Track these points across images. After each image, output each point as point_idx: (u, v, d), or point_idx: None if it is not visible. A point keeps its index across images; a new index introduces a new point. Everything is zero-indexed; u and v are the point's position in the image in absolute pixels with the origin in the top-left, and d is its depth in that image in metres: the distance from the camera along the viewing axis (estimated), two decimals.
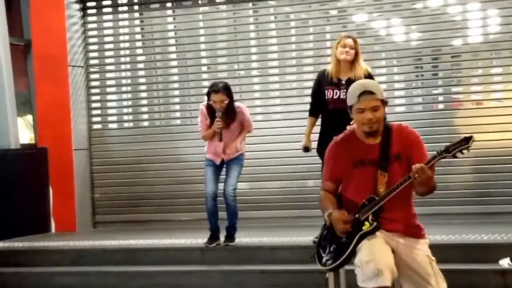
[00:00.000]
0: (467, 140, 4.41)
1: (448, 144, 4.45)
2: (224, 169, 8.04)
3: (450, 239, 7.56)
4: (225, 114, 7.74)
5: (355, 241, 4.59)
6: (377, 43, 9.99)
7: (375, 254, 4.48)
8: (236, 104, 7.93)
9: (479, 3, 9.55)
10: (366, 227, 4.61)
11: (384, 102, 4.68)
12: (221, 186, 7.97)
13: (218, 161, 7.93)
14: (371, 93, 4.62)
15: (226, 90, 7.75)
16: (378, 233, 4.60)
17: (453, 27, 9.69)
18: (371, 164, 4.69)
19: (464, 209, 9.23)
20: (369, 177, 4.68)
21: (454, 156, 4.44)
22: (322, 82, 7.55)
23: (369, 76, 7.33)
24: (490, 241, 7.40)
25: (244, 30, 10.66)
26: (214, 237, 7.95)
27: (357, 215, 4.64)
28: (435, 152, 4.46)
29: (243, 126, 7.95)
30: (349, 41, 7.48)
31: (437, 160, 4.46)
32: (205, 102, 7.92)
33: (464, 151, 4.41)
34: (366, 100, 4.63)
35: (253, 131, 8.16)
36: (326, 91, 7.45)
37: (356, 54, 7.46)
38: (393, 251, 4.61)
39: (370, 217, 4.62)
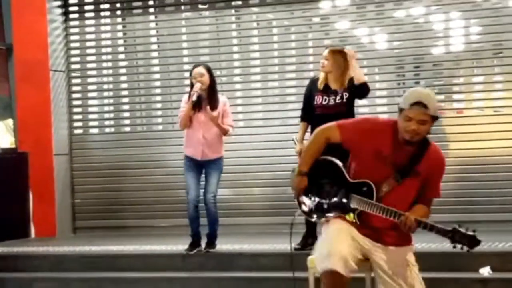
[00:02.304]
0: (473, 243, 4.41)
1: (459, 229, 4.41)
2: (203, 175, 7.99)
3: (431, 247, 7.57)
4: (208, 97, 7.73)
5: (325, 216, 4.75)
6: (359, 51, 9.98)
7: (333, 240, 4.53)
8: (221, 96, 7.95)
9: (461, 12, 9.60)
10: (350, 217, 4.67)
11: (434, 118, 4.59)
12: (200, 192, 7.95)
13: (198, 156, 7.80)
14: (424, 106, 4.52)
15: (207, 68, 7.83)
16: (351, 229, 4.63)
17: (435, 35, 9.76)
18: (391, 165, 4.65)
19: (444, 217, 9.14)
20: (382, 173, 4.65)
21: (454, 246, 4.45)
22: (313, 88, 7.59)
23: (353, 86, 7.35)
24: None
25: (227, 36, 10.67)
26: (195, 243, 7.92)
27: (352, 195, 4.67)
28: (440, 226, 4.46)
29: (223, 121, 7.85)
30: (324, 53, 7.52)
31: (433, 231, 4.46)
32: (186, 95, 7.92)
33: (464, 248, 4.42)
34: (416, 111, 4.53)
35: (233, 132, 8.01)
36: (315, 97, 7.49)
37: (337, 67, 7.44)
38: (365, 255, 4.65)
39: (356, 212, 4.65)
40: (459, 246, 4.42)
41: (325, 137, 4.81)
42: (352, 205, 4.68)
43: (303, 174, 4.81)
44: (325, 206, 4.79)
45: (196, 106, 7.72)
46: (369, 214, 4.63)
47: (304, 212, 4.89)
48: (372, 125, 4.79)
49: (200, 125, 7.77)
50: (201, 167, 7.88)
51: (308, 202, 4.86)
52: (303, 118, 7.70)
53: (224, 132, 7.85)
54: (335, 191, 4.76)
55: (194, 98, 7.64)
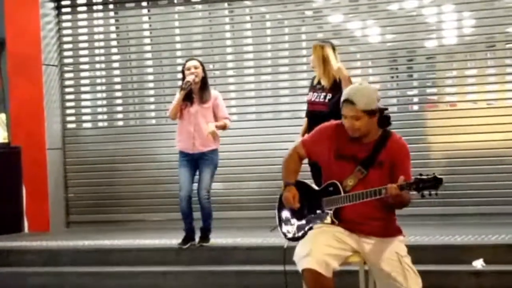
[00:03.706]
0: (437, 183, 4.43)
1: (421, 177, 4.45)
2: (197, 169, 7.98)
3: (424, 240, 7.59)
4: (200, 90, 7.76)
5: (308, 229, 4.81)
6: (353, 44, 10.02)
7: (313, 241, 4.60)
8: (213, 90, 7.98)
9: (454, 5, 9.61)
10: (328, 221, 4.74)
11: (370, 112, 4.64)
12: (194, 186, 7.94)
13: (189, 150, 7.79)
14: (351, 103, 4.63)
15: (200, 62, 7.87)
16: (335, 229, 4.69)
17: (428, 28, 9.75)
18: (353, 161, 4.72)
19: (438, 210, 9.27)
20: (346, 170, 4.73)
21: (422, 196, 4.48)
22: (311, 83, 7.75)
23: (338, 83, 7.38)
24: (464, 242, 7.44)
25: (220, 30, 10.66)
26: (188, 238, 7.92)
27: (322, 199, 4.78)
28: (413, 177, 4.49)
29: (216, 115, 7.86)
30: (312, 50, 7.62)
31: (405, 189, 4.49)
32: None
33: (432, 193, 4.45)
34: (346, 108, 4.67)
35: (231, 124, 8.04)
36: (308, 93, 7.67)
37: (323, 59, 7.49)
38: (356, 252, 4.71)
39: (332, 213, 4.73)
40: (426, 193, 4.45)
41: (297, 153, 4.97)
42: (326, 208, 4.77)
43: (290, 184, 4.88)
44: (305, 223, 4.89)
45: (188, 99, 7.73)
46: (345, 210, 4.71)
47: (290, 239, 4.98)
48: (324, 130, 4.91)
49: (191, 118, 7.77)
50: (195, 162, 7.86)
51: (289, 229, 4.98)
52: (306, 114, 7.79)
53: (224, 128, 7.89)
54: (309, 206, 4.86)
55: (186, 86, 7.64)
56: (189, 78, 7.66)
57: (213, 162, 7.87)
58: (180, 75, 7.99)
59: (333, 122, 4.92)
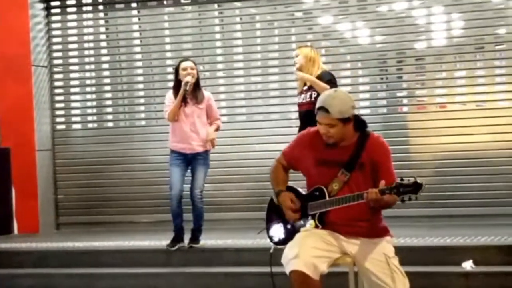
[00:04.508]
0: (417, 188, 4.42)
1: (401, 182, 4.45)
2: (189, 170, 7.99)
3: (414, 242, 7.61)
4: (194, 91, 7.78)
5: (295, 233, 4.82)
6: (342, 46, 10.03)
7: (301, 243, 4.61)
8: (205, 91, 8.01)
9: (443, 7, 9.64)
10: (312, 226, 4.78)
11: (344, 120, 4.67)
12: (186, 187, 7.94)
13: (186, 150, 7.80)
14: (326, 110, 4.66)
15: (194, 62, 7.90)
16: (323, 231, 4.73)
17: (417, 30, 9.78)
18: (334, 165, 4.75)
19: (428, 211, 9.29)
20: (329, 175, 4.77)
21: (402, 200, 4.48)
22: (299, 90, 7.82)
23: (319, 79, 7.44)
24: (453, 244, 7.45)
25: (210, 31, 10.65)
26: (177, 238, 7.92)
27: (307, 204, 4.83)
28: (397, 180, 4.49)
29: (209, 115, 7.90)
30: (296, 51, 7.75)
31: (386, 193, 4.49)
32: (170, 91, 7.94)
33: (412, 197, 4.44)
34: (320, 115, 4.71)
35: (221, 124, 8.12)
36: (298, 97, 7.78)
37: (308, 60, 7.57)
38: (345, 254, 4.74)
39: (317, 217, 4.76)
40: (406, 197, 4.45)
41: (280, 164, 5.04)
42: (310, 212, 4.81)
43: (282, 191, 4.93)
44: (291, 227, 4.94)
45: (182, 100, 7.74)
46: (330, 213, 4.74)
47: (276, 243, 5.03)
48: (302, 139, 4.98)
49: (187, 118, 7.79)
50: (187, 162, 7.87)
51: (276, 233, 5.03)
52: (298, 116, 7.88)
53: (217, 130, 7.95)
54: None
55: (187, 86, 7.63)
56: (188, 78, 7.66)
57: (207, 162, 7.91)
58: (170, 76, 7.99)
59: (310, 129, 4.96)
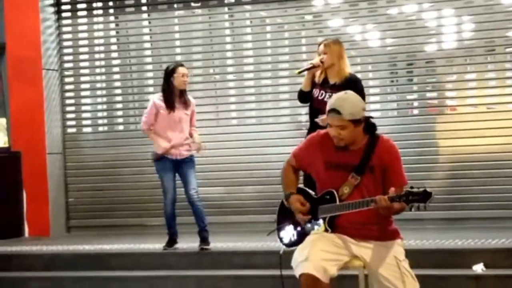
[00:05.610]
0: (426, 197, 4.40)
1: (411, 190, 4.43)
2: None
3: (424, 245, 7.58)
4: (182, 96, 7.98)
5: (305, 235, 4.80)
6: (352, 48, 9.99)
7: (311, 246, 4.59)
8: (190, 97, 8.17)
9: (454, 9, 9.61)
10: (322, 229, 4.76)
11: (355, 122, 4.65)
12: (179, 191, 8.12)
13: (177, 156, 7.97)
14: (338, 112, 4.64)
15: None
16: (332, 235, 4.72)
17: (427, 32, 9.76)
18: (344, 169, 4.74)
19: (438, 214, 9.26)
20: (339, 179, 4.75)
21: (410, 209, 4.47)
22: (314, 81, 7.34)
23: (349, 81, 7.13)
24: (464, 247, 7.44)
25: (220, 34, 10.64)
26: (173, 240, 8.13)
27: (317, 207, 4.81)
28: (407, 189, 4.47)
29: (190, 122, 8.07)
30: (321, 47, 7.37)
31: (395, 201, 4.47)
32: (158, 95, 8.05)
33: (420, 206, 4.42)
34: (332, 118, 4.69)
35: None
36: (314, 90, 7.31)
37: (338, 57, 7.28)
38: (355, 257, 4.71)
39: (327, 221, 4.75)
40: (416, 205, 4.44)
41: (290, 166, 5.03)
42: (320, 216, 4.79)
43: (292, 194, 4.92)
44: (301, 230, 4.92)
45: (170, 106, 7.87)
46: (341, 217, 4.72)
47: (286, 245, 5.02)
48: (311, 141, 4.97)
49: (176, 125, 7.93)
50: (175, 167, 8.03)
51: (286, 235, 5.03)
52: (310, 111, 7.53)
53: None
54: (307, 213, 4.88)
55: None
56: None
57: (194, 163, 8.10)
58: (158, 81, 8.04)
59: (320, 132, 4.96)
